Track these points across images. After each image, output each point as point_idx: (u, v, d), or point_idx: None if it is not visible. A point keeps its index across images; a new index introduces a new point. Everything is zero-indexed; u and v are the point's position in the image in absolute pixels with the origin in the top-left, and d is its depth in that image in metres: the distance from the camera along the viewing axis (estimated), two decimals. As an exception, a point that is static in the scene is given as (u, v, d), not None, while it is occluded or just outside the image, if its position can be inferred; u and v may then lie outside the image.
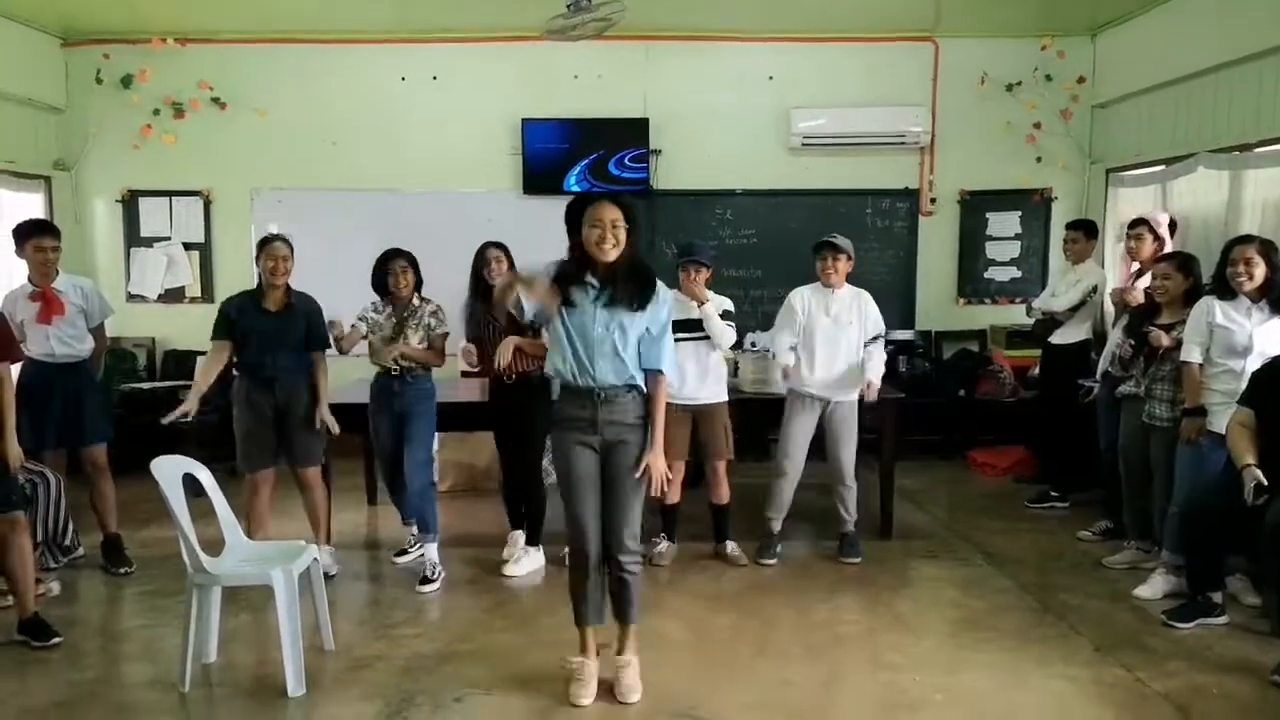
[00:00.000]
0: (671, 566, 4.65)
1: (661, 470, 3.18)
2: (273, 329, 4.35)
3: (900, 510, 5.17)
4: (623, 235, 3.07)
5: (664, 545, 4.73)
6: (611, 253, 3.06)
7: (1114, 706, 3.20)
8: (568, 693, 3.25)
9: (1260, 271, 3.88)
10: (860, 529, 4.79)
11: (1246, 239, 4.03)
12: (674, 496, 4.66)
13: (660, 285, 3.20)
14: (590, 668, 3.31)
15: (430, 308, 4.60)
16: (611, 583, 3.25)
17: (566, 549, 3.32)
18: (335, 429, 4.42)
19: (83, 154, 6.86)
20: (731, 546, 4.75)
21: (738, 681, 3.40)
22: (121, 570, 4.63)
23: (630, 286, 3.10)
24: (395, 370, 4.51)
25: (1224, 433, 3.83)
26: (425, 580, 4.43)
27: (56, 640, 3.72)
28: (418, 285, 4.60)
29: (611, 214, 3.06)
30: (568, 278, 3.11)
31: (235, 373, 4.44)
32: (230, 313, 4.38)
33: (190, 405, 4.18)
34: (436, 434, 5.93)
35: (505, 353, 4.38)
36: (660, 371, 3.17)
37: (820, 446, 4.72)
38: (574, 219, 3.14)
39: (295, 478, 4.48)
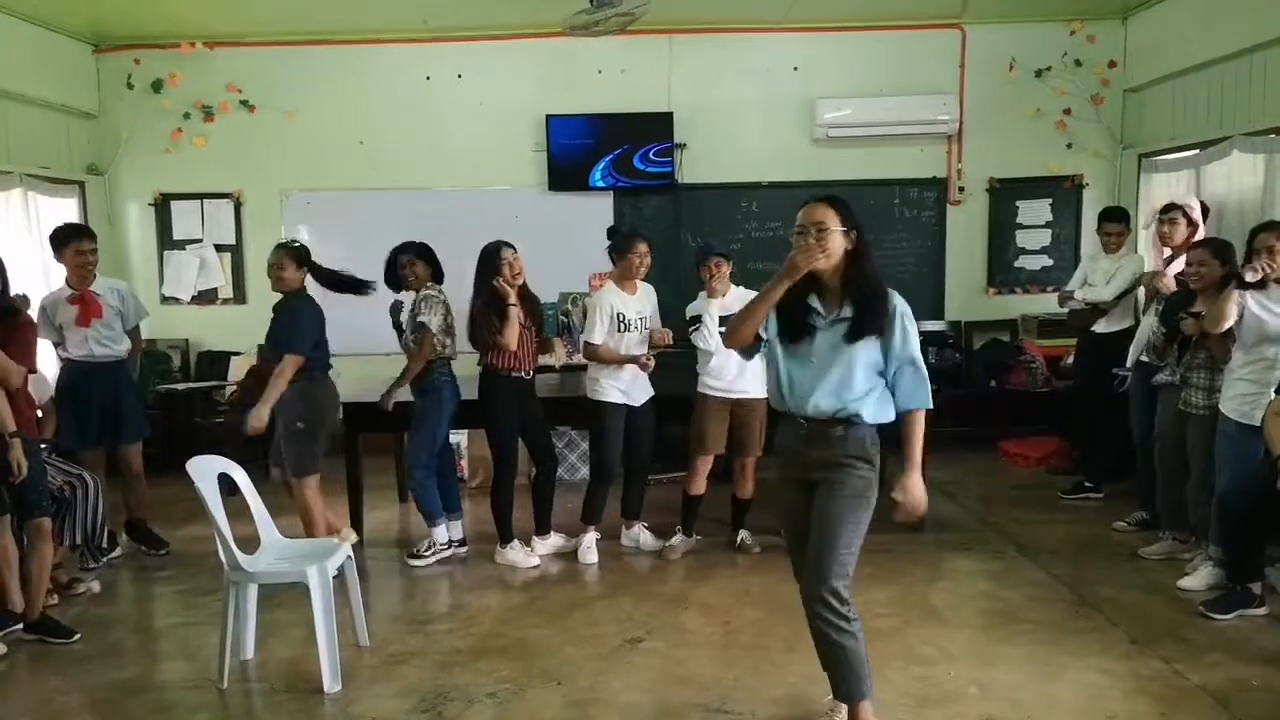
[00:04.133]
0: (700, 560, 4.67)
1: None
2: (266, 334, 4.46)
3: (932, 502, 4.99)
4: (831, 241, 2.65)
5: (678, 539, 4.75)
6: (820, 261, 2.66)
7: (1152, 699, 3.16)
8: None
9: None
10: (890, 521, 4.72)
11: (1269, 225, 3.96)
12: (699, 487, 4.68)
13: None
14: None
15: (418, 296, 4.65)
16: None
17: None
18: (251, 429, 4.29)
19: (115, 158, 6.96)
20: (745, 535, 4.80)
21: (768, 676, 3.40)
22: (162, 552, 4.82)
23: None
24: None
25: (1256, 423, 3.78)
26: (414, 555, 4.68)
27: (76, 637, 3.82)
28: (435, 277, 4.68)
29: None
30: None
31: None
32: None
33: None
34: (466, 431, 6.02)
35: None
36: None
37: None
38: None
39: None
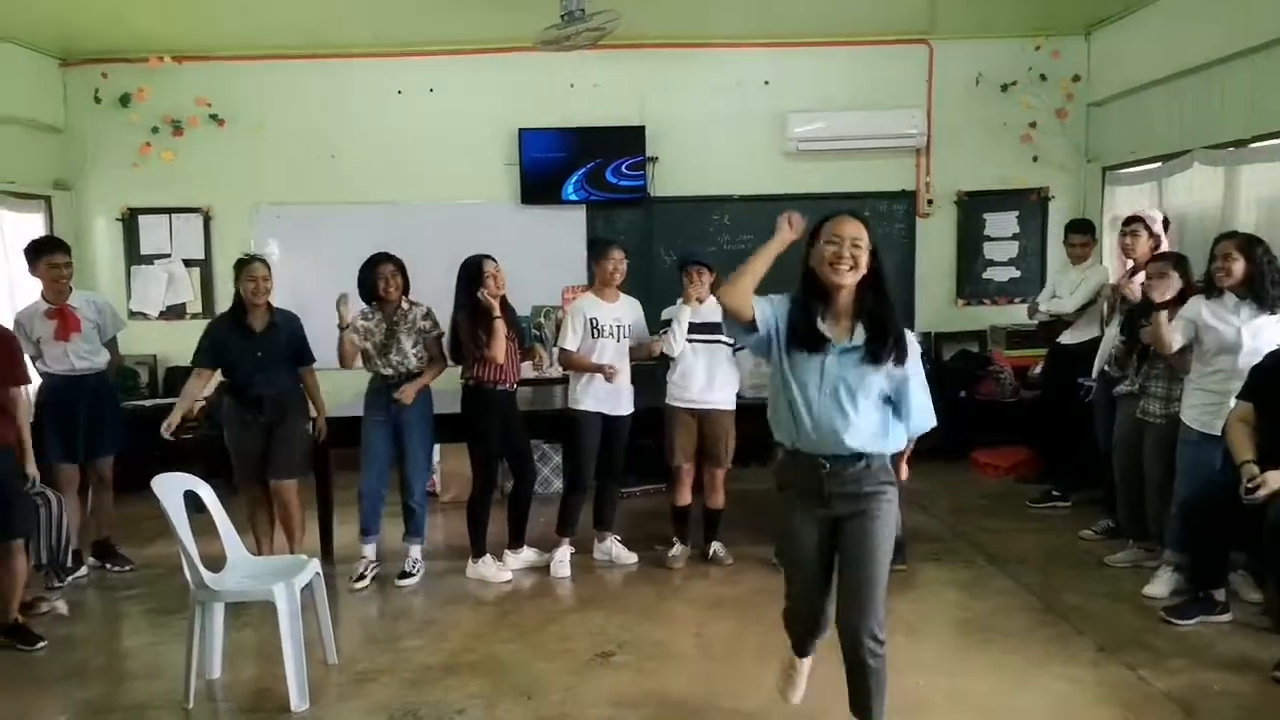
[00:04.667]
0: (671, 573, 4.68)
1: None
2: (259, 350, 4.47)
3: (904, 513, 5.13)
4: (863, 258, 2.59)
5: (677, 549, 4.76)
6: (849, 276, 2.59)
7: (1117, 706, 3.20)
8: (778, 688, 3.09)
9: (1239, 267, 3.90)
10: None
11: (1229, 235, 4.07)
12: (684, 498, 4.70)
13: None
14: (805, 667, 3.04)
15: (421, 310, 4.68)
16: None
17: None
18: (323, 435, 4.72)
19: (82, 173, 6.90)
20: (717, 547, 4.79)
21: (739, 688, 3.40)
22: (127, 569, 4.81)
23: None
24: (394, 378, 4.58)
25: (1216, 432, 3.85)
26: (405, 575, 4.60)
27: (42, 644, 3.86)
28: (405, 289, 4.66)
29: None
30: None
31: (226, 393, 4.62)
32: (213, 341, 4.53)
33: (174, 419, 4.45)
34: (437, 445, 5.98)
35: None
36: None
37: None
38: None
39: (269, 490, 4.54)
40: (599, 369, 4.55)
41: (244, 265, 4.49)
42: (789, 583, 2.89)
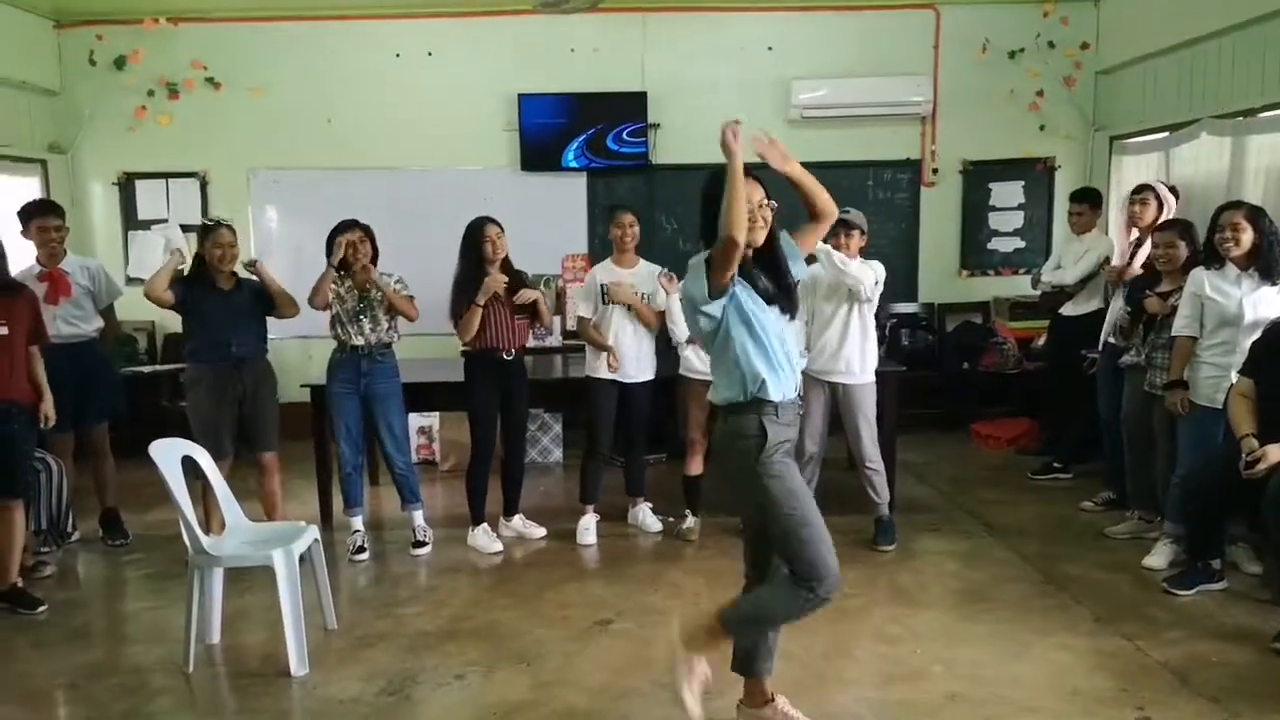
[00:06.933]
0: (670, 542, 4.69)
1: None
2: (229, 305, 4.34)
3: (903, 483, 5.16)
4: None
5: (691, 521, 4.74)
6: (761, 235, 2.69)
7: (1113, 676, 3.20)
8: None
9: (1247, 237, 3.84)
10: (863, 503, 4.73)
11: (1235, 205, 4.01)
12: (697, 467, 4.71)
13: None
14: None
15: (395, 277, 4.57)
16: None
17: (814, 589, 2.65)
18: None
19: (78, 137, 6.83)
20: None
21: (738, 656, 3.40)
22: (118, 542, 4.74)
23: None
24: (363, 349, 4.49)
25: (1219, 405, 3.82)
26: (419, 544, 4.60)
27: (43, 608, 3.88)
28: (374, 258, 4.55)
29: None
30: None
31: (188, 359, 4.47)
32: (184, 279, 4.35)
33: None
34: (437, 413, 5.99)
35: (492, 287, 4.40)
36: None
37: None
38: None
39: (257, 462, 4.46)
40: (605, 349, 4.56)
41: (210, 230, 4.34)
42: (818, 539, 2.62)
